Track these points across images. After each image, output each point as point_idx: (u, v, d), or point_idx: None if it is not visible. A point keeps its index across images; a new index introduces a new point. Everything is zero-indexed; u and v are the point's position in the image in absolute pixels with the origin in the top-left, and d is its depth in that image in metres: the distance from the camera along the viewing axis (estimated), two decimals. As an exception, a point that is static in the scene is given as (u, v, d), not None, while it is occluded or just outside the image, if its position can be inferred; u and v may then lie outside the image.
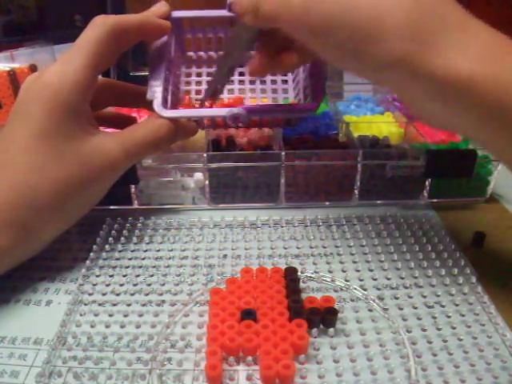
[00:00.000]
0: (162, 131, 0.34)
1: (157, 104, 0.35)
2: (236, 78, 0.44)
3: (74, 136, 0.31)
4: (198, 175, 0.41)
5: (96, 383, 0.26)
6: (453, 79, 0.25)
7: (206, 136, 0.43)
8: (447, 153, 0.40)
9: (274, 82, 0.44)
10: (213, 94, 0.38)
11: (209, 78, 0.44)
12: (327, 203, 0.42)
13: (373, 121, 0.49)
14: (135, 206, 0.41)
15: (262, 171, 0.40)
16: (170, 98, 0.37)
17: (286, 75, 0.44)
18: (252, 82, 0.43)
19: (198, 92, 0.43)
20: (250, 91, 0.43)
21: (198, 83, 0.43)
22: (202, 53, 0.44)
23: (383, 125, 0.47)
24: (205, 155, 0.39)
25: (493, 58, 0.25)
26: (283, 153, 0.39)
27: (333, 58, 0.28)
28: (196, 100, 0.43)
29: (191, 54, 0.44)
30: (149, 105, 0.35)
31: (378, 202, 0.42)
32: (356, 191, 0.41)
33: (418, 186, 0.41)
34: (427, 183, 0.41)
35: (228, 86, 0.43)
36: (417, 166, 0.40)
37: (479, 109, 0.25)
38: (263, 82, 0.44)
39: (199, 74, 0.44)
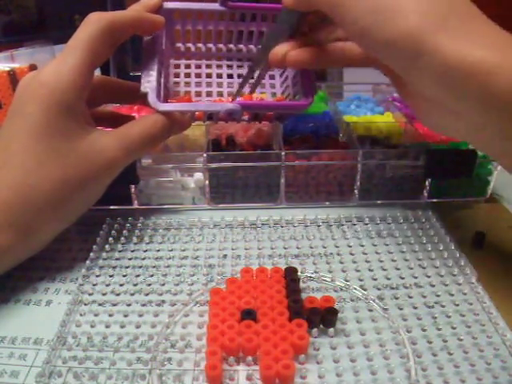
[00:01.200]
0: (157, 126, 0.34)
1: (151, 97, 0.34)
2: (224, 70, 0.43)
3: (71, 134, 0.31)
4: (198, 175, 0.41)
5: (96, 383, 0.26)
6: (461, 63, 0.25)
7: (206, 136, 0.43)
8: (447, 153, 0.40)
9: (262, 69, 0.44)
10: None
11: (198, 71, 0.43)
12: (327, 203, 0.42)
13: (373, 121, 0.49)
14: (135, 206, 0.41)
15: (262, 171, 0.40)
16: (162, 91, 0.37)
17: (272, 70, 0.44)
18: (240, 77, 0.43)
19: (186, 84, 0.43)
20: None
21: (187, 75, 0.43)
22: (190, 45, 0.44)
23: (383, 125, 0.47)
24: (205, 155, 0.39)
25: (501, 48, 0.25)
26: (283, 153, 0.39)
27: (353, 31, 0.29)
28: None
29: (180, 45, 0.44)
30: (144, 100, 0.35)
31: (378, 202, 0.42)
32: (356, 191, 0.41)
33: (418, 186, 0.41)
34: (427, 183, 0.41)
35: (216, 80, 0.43)
36: (417, 166, 0.40)
37: (487, 96, 0.25)
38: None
39: (188, 66, 0.44)
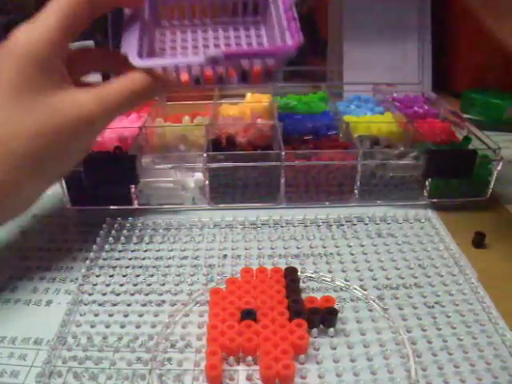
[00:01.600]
0: (136, 83, 0.33)
1: (131, 55, 0.33)
2: (211, 40, 0.41)
3: (45, 90, 0.31)
4: (198, 175, 0.41)
5: (96, 383, 0.26)
6: None
7: (206, 136, 0.43)
8: (447, 153, 0.40)
9: (246, 29, 0.42)
10: None
11: (184, 44, 0.41)
12: (327, 203, 0.42)
13: (373, 121, 0.49)
14: (135, 206, 0.41)
15: (262, 171, 0.40)
16: (145, 54, 0.36)
17: (259, 27, 0.42)
18: (225, 30, 0.42)
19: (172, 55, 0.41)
20: (225, 39, 0.41)
21: (173, 48, 0.41)
22: (175, 21, 0.42)
23: (383, 125, 0.47)
24: (205, 155, 0.39)
25: None
26: (283, 153, 0.39)
27: None
28: None
29: (165, 22, 0.42)
30: (127, 65, 0.33)
31: (378, 201, 0.42)
32: (356, 191, 0.41)
33: (418, 186, 0.41)
34: (427, 183, 0.41)
35: (202, 35, 0.41)
36: (417, 166, 0.40)
37: None
38: (236, 30, 0.42)
39: (173, 38, 0.42)
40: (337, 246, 0.36)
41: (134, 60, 0.33)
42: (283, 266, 0.33)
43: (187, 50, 0.40)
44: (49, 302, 0.31)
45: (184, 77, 0.35)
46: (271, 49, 0.37)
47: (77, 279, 0.33)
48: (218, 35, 0.42)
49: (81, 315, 0.30)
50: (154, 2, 0.40)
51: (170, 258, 0.35)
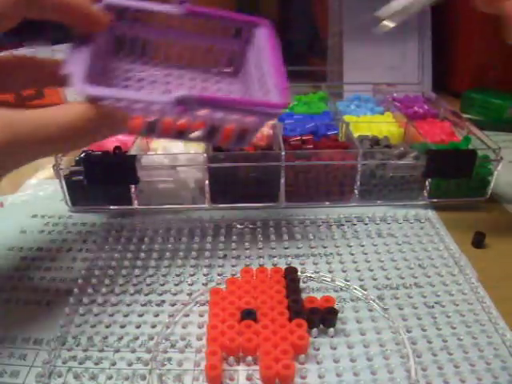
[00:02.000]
0: (74, 117, 0.24)
1: (77, 78, 0.24)
2: (173, 75, 0.34)
3: None
4: (198, 175, 0.41)
5: (96, 383, 0.26)
6: None
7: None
8: (447, 153, 0.40)
9: (218, 81, 0.35)
10: None
11: (140, 85, 0.32)
12: (327, 203, 0.42)
13: (373, 121, 0.49)
14: (135, 205, 0.41)
15: (262, 171, 0.40)
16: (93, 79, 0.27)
17: (229, 80, 0.35)
18: (192, 79, 0.34)
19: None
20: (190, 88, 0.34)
21: (126, 87, 0.32)
22: (135, 56, 0.34)
23: (383, 125, 0.47)
24: (205, 155, 0.39)
25: None
26: (283, 153, 0.39)
27: None
28: None
29: (122, 54, 0.34)
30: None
31: (378, 201, 0.42)
32: (356, 191, 0.41)
33: (418, 186, 0.41)
34: (427, 183, 0.41)
35: (164, 79, 0.34)
36: (417, 166, 0.40)
37: None
38: (205, 81, 0.35)
39: (127, 79, 0.33)
40: (337, 246, 0.36)
41: (79, 85, 0.24)
42: (283, 266, 0.33)
43: (143, 89, 0.32)
44: (49, 302, 0.31)
45: (136, 121, 0.27)
46: (259, 102, 0.29)
47: (77, 279, 0.33)
48: (183, 81, 0.34)
49: (81, 315, 0.30)
50: (112, 29, 0.32)
51: (169, 258, 0.35)
